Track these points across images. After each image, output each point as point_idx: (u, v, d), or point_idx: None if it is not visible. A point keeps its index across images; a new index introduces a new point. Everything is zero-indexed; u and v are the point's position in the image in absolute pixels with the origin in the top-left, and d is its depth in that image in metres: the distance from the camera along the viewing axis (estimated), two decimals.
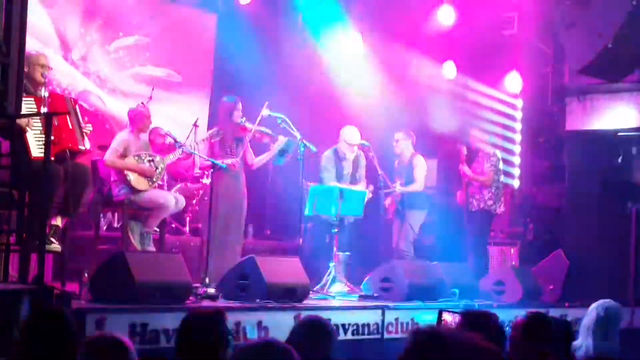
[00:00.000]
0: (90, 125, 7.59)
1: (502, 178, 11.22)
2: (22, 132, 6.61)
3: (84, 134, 7.36)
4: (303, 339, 4.36)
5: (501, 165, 11.21)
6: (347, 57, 12.70)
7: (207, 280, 8.03)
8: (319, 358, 4.46)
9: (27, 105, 6.83)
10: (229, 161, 8.96)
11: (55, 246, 7.00)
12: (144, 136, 9.04)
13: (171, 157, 8.91)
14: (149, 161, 8.71)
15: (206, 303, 7.36)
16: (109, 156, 8.60)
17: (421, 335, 2.20)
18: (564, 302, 10.10)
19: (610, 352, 6.12)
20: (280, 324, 6.89)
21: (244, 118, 9.17)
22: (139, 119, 8.86)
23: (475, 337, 2.19)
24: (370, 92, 12.51)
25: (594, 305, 6.39)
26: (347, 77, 12.60)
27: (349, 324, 7.68)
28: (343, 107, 12.31)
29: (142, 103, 9.15)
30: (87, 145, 7.39)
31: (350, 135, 10.13)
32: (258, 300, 7.36)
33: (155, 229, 8.85)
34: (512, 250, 11.93)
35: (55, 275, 7.48)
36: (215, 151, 9.10)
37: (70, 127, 7.16)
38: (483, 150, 11.15)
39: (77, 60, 11.62)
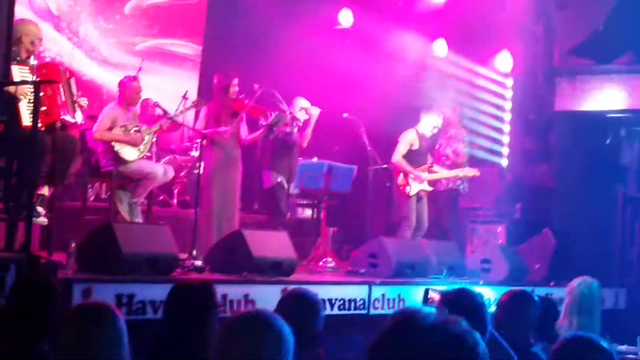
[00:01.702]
0: (85, 98, 7.53)
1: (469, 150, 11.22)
2: (14, 100, 6.56)
3: (78, 106, 7.31)
4: (290, 311, 4.37)
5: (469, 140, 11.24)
6: (339, 33, 12.68)
7: (194, 252, 8.03)
8: (305, 331, 4.47)
9: (22, 73, 6.79)
10: (220, 129, 8.95)
11: (42, 219, 6.97)
12: (133, 108, 8.99)
13: (157, 127, 8.88)
14: (136, 131, 8.67)
15: (193, 275, 7.36)
16: (97, 130, 8.57)
17: (399, 317, 2.21)
18: (549, 281, 10.15)
19: (591, 330, 6.15)
20: (267, 298, 6.88)
21: (242, 96, 9.20)
22: (128, 92, 8.80)
23: (452, 318, 2.20)
24: (361, 68, 12.47)
25: (573, 284, 6.41)
26: (339, 52, 12.56)
27: (336, 299, 7.69)
28: (334, 83, 12.29)
29: (134, 76, 9.06)
30: (79, 118, 7.35)
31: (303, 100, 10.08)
32: (245, 273, 7.36)
33: (143, 200, 8.83)
34: (499, 229, 11.96)
35: (42, 245, 7.45)
36: (210, 124, 9.07)
37: (63, 98, 7.12)
38: (456, 126, 11.15)
39: (67, 29, 11.56)
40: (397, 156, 10.33)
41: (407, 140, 10.39)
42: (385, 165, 10.56)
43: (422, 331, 2.14)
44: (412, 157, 10.37)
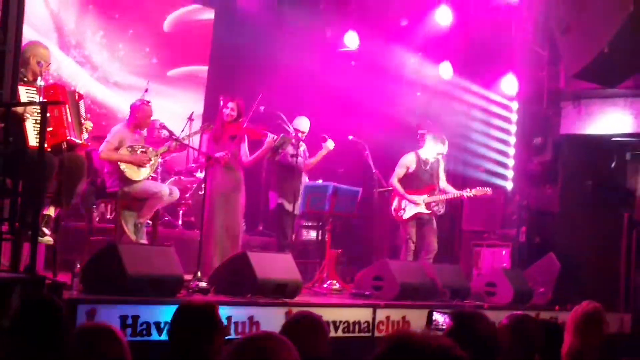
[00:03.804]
0: (90, 122, 7.53)
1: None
2: (20, 120, 6.58)
3: (84, 128, 7.32)
4: (294, 334, 4.36)
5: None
6: (345, 55, 12.74)
7: (199, 274, 8.03)
8: (311, 354, 4.45)
9: (29, 93, 6.81)
10: (219, 154, 8.97)
11: (48, 238, 6.97)
12: (141, 131, 8.97)
13: (164, 149, 8.89)
14: (142, 152, 8.68)
15: (197, 297, 7.35)
16: (104, 150, 8.58)
17: (392, 340, 2.23)
18: (554, 305, 10.11)
19: (590, 354, 6.10)
20: (271, 320, 6.89)
21: (241, 117, 9.23)
22: (139, 116, 8.80)
23: (446, 342, 2.21)
24: (367, 91, 12.52)
25: (574, 308, 6.37)
26: (345, 75, 12.61)
27: (340, 321, 7.68)
28: (340, 105, 12.33)
29: (147, 100, 9.03)
30: (85, 137, 7.36)
31: (300, 122, 10.11)
32: (249, 295, 7.35)
33: (148, 221, 8.83)
34: (504, 252, 11.94)
35: (47, 265, 7.45)
36: (210, 147, 9.11)
37: (70, 119, 7.13)
38: None
39: (73, 49, 11.62)
40: (394, 179, 10.36)
41: (404, 163, 10.41)
42: (390, 188, 10.56)
43: (417, 355, 2.14)
44: (408, 180, 10.36)
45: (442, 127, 11.29)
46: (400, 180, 10.33)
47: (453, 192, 10.58)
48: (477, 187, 10.67)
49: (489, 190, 10.63)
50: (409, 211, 10.29)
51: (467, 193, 10.54)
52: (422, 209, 10.32)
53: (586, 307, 6.33)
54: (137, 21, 12.32)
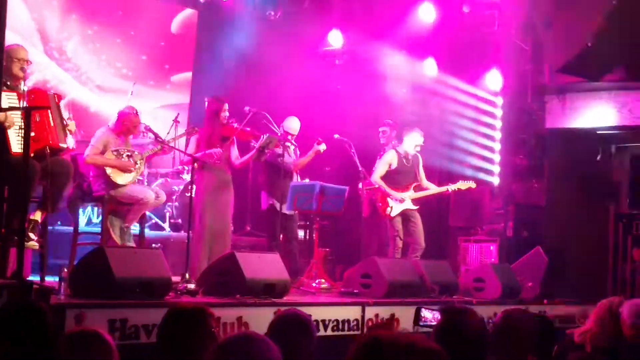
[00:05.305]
0: (74, 122, 7.48)
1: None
2: (1, 127, 6.55)
3: (68, 131, 7.29)
4: (282, 333, 4.36)
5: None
6: (329, 54, 12.74)
7: (187, 275, 8.02)
8: (298, 352, 4.46)
9: (10, 99, 6.76)
10: (210, 150, 8.96)
11: (33, 243, 6.94)
12: (125, 137, 8.92)
13: (149, 152, 8.87)
14: (128, 156, 8.65)
15: (186, 299, 7.34)
16: (89, 154, 8.53)
17: (362, 340, 2.25)
18: (542, 299, 10.14)
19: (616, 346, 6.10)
20: (260, 320, 6.87)
21: (232, 120, 9.24)
22: (126, 125, 8.74)
23: (418, 338, 2.23)
24: (351, 89, 12.52)
25: (602, 300, 6.39)
26: (329, 74, 12.61)
27: (329, 320, 7.69)
28: (325, 104, 12.33)
29: (136, 110, 8.95)
30: (70, 144, 7.31)
31: (290, 123, 10.13)
32: (238, 295, 7.35)
33: (135, 224, 8.81)
34: (492, 247, 11.97)
35: (34, 270, 7.43)
36: (201, 149, 9.08)
37: (52, 124, 7.10)
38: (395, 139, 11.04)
39: (56, 53, 11.57)
40: (375, 176, 10.41)
41: (385, 160, 10.49)
42: (377, 185, 10.57)
43: (388, 353, 2.16)
44: (392, 177, 10.41)
45: (404, 123, 11.26)
46: (383, 178, 10.37)
47: (435, 188, 10.65)
48: (460, 181, 10.76)
49: (472, 183, 10.72)
50: (395, 208, 10.33)
51: (451, 187, 10.64)
52: (409, 205, 10.39)
53: (612, 300, 6.37)
54: (123, 26, 12.29)
